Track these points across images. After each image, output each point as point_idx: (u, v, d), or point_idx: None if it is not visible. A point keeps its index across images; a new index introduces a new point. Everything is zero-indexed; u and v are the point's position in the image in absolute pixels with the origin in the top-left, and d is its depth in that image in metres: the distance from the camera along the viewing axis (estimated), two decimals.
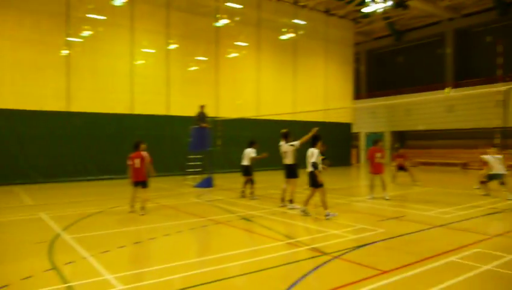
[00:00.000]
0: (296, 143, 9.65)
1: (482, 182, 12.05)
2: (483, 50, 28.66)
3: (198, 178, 15.68)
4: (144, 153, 9.32)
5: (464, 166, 25.36)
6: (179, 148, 18.76)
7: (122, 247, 6.36)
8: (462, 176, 21.05)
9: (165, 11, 19.39)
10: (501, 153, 12.38)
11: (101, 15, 17.62)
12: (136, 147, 9.36)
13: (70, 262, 5.45)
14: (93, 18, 17.48)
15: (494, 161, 11.45)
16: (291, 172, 9.88)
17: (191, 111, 16.61)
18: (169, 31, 19.48)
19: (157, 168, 17.86)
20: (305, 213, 8.91)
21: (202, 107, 15.70)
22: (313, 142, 8.68)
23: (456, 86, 27.92)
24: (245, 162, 11.72)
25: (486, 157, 11.72)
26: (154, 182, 15.95)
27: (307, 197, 8.96)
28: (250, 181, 11.66)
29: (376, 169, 11.42)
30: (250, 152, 11.65)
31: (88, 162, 17.25)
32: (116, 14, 18.03)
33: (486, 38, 28.71)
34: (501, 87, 7.04)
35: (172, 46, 19.70)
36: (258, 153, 11.73)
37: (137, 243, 6.65)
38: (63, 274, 4.98)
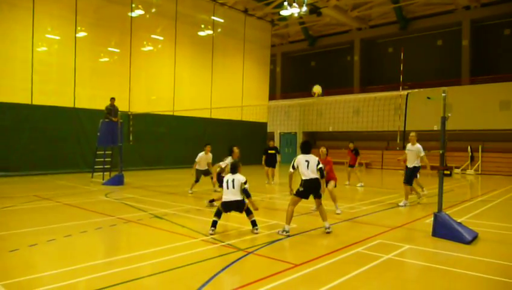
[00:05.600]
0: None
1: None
2: (385, 59, 31.29)
3: (108, 175, 14.74)
4: None
5: (368, 165, 27.51)
6: (86, 143, 17.51)
7: (14, 251, 5.66)
8: (365, 174, 22.70)
9: None
10: None
11: None
12: None
13: None
14: None
15: None
16: None
17: (101, 104, 15.59)
18: (77, 17, 18.00)
19: (62, 165, 16.80)
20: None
21: (113, 100, 14.83)
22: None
23: (362, 91, 30.10)
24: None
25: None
26: (57, 180, 14.69)
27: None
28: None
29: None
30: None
31: None
32: None
33: (389, 49, 31.41)
34: (402, 92, 7.65)
35: (81, 34, 18.26)
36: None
37: (33, 245, 5.96)
38: None
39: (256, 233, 6.85)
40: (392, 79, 28.80)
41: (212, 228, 6.81)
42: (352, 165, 15.20)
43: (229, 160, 9.47)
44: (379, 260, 5.42)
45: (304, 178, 6.97)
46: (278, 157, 15.67)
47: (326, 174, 9.32)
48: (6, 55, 15.96)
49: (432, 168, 10.20)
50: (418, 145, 10.13)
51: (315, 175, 6.97)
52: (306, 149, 7.24)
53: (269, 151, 15.26)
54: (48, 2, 17.03)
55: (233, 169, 7.20)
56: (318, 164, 7.02)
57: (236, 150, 9.89)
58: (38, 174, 15.76)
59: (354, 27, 31.42)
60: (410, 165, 10.24)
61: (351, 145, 15.17)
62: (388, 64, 30.49)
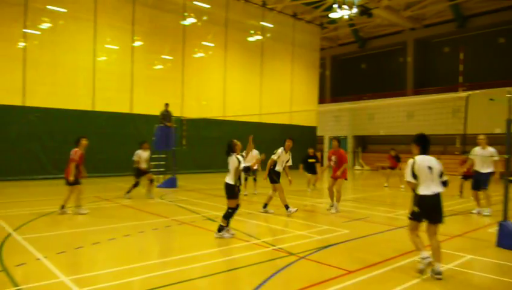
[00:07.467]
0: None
1: None
2: (441, 60, 29.95)
3: (162, 178, 15.29)
4: (73, 151, 8.89)
5: None
6: None
7: (79, 248, 6.03)
8: None
9: (131, 7, 18.82)
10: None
11: (62, 7, 16.85)
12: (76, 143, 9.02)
13: (21, 264, 5.08)
14: (54, 10, 16.68)
15: None
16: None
17: (156, 109, 16.21)
18: (134, 27, 18.93)
19: (119, 168, 17.60)
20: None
21: (167, 105, 15.37)
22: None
23: (415, 93, 28.99)
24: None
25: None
26: (115, 182, 15.45)
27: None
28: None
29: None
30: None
31: (44, 160, 16.40)
32: (78, 7, 17.30)
33: (445, 49, 30.04)
34: (462, 93, 7.28)
35: (137, 43, 19.15)
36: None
37: (95, 243, 6.31)
38: (13, 277, 4.62)
39: (216, 237, 6.69)
40: (449, 80, 27.49)
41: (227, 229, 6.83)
42: (393, 168, 16.08)
43: (280, 150, 9.36)
44: None
45: (422, 193, 4.97)
46: (319, 167, 14.31)
47: (334, 170, 9.67)
48: (71, 65, 17.08)
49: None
50: (492, 149, 9.32)
51: (438, 189, 4.99)
52: (426, 146, 5.17)
53: (309, 160, 14.07)
54: (108, 14, 18.05)
55: (228, 149, 6.87)
56: (442, 173, 5.05)
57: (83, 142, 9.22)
58: (99, 176, 16.64)
59: (407, 27, 30.40)
60: (484, 170, 9.30)
61: (393, 152, 16.03)
62: (444, 65, 29.19)
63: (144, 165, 11.35)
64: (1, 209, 9.17)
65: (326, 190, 10.32)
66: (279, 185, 9.23)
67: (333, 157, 9.67)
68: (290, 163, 9.58)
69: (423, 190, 4.96)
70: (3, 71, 15.57)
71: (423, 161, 5.03)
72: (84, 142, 9.03)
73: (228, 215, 6.79)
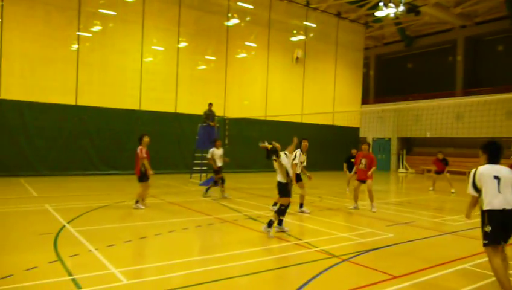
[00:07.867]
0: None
1: None
2: (494, 58, 28.43)
3: (205, 176, 15.58)
4: (139, 149, 9.29)
5: None
6: (186, 146, 18.70)
7: (127, 241, 6.28)
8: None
9: (177, 9, 19.33)
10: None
11: (113, 10, 17.59)
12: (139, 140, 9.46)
13: (75, 255, 5.37)
14: (105, 13, 17.45)
15: None
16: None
17: (199, 109, 16.56)
18: (180, 29, 19.43)
19: (164, 166, 18.14)
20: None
21: (210, 105, 15.66)
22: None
23: (465, 94, 27.70)
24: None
25: None
26: (160, 179, 15.91)
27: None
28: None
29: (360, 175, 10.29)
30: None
31: (94, 156, 17.21)
32: (127, 10, 18.00)
33: (498, 47, 28.50)
34: None
35: (182, 44, 19.64)
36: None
37: (142, 238, 6.56)
38: (67, 266, 4.90)
39: (264, 231, 6.88)
40: (503, 80, 26.05)
41: (269, 229, 6.88)
42: (440, 172, 15.39)
43: (298, 153, 9.41)
44: (489, 279, 4.94)
45: (490, 207, 4.30)
46: None
47: (362, 172, 10.02)
48: (120, 66, 17.81)
49: None
50: None
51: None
52: (497, 155, 4.48)
53: (352, 160, 14.01)
54: (155, 16, 18.65)
55: (268, 153, 7.36)
56: None
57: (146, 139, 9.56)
58: None
59: (457, 25, 29.12)
60: None
61: (440, 156, 15.39)
62: (498, 64, 27.66)
63: (218, 163, 11.62)
64: (55, 202, 9.71)
65: (366, 191, 10.16)
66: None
67: (363, 161, 10.09)
68: (304, 163, 9.65)
69: (491, 204, 4.27)
70: (59, 72, 16.47)
71: (487, 169, 4.37)
72: (146, 139, 9.48)
73: (281, 212, 7.05)
